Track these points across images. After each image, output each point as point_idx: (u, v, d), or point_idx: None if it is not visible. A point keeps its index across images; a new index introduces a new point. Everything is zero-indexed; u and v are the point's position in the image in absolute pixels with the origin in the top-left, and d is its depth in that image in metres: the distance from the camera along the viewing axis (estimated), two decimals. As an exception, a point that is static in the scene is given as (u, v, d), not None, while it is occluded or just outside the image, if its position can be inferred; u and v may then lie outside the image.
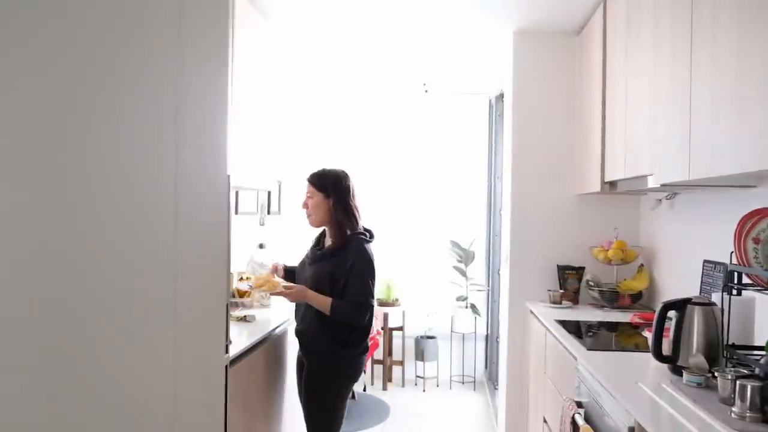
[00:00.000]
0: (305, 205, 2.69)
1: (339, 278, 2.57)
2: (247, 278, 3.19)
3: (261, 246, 4.24)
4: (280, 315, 2.96)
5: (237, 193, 3.85)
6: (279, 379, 2.81)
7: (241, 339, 2.42)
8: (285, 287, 2.61)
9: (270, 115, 3.24)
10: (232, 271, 3.26)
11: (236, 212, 3.86)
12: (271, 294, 2.62)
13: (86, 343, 0.70)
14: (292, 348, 2.98)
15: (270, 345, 2.68)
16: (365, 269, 2.60)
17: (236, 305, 3.00)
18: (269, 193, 4.47)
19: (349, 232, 2.62)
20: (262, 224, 4.36)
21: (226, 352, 2.03)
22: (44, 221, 0.63)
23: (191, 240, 0.92)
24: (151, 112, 0.84)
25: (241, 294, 3.12)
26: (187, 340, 0.93)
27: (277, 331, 2.79)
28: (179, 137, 0.89)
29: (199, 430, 0.97)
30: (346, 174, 2.73)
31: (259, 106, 3.07)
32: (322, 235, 2.78)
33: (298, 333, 2.70)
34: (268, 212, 4.49)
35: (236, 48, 2.61)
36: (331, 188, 2.64)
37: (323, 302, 2.54)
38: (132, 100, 0.79)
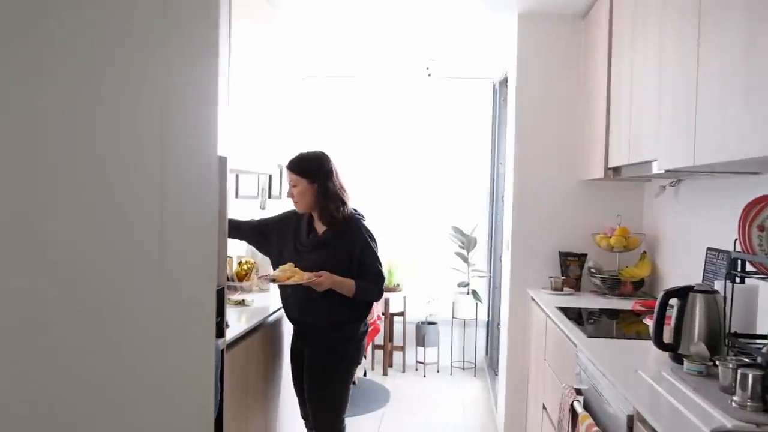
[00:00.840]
0: (291, 194, 2.65)
1: (344, 262, 2.55)
2: (248, 267, 3.17)
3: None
4: (278, 299, 2.95)
5: (237, 176, 3.82)
6: (277, 363, 2.81)
7: (239, 323, 2.41)
8: (314, 275, 2.48)
9: (272, 99, 3.20)
10: (231, 255, 3.25)
11: (236, 196, 3.84)
12: (303, 283, 2.50)
13: (68, 337, 0.68)
14: (290, 333, 2.97)
15: (268, 329, 2.67)
16: (372, 244, 2.63)
17: (234, 289, 2.99)
18: (270, 176, 4.44)
19: (341, 214, 2.59)
20: (263, 208, 4.34)
21: (223, 335, 2.02)
22: (17, 211, 0.60)
23: (179, 223, 0.90)
24: (134, 92, 0.81)
25: (240, 278, 3.10)
26: (175, 326, 0.91)
27: (276, 315, 2.78)
28: (165, 117, 0.87)
29: (189, 413, 0.96)
30: (326, 155, 2.67)
31: (261, 90, 3.04)
32: (310, 220, 2.69)
33: (295, 322, 2.68)
34: (269, 196, 4.47)
35: (235, 30, 2.57)
36: (314, 173, 2.59)
37: (349, 284, 2.54)
38: (113, 80, 0.76)
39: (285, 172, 2.70)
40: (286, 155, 4.85)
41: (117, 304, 0.76)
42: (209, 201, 1.00)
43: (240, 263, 3.19)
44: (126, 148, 0.78)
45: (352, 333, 2.64)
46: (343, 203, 2.62)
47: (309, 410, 2.66)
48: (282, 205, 4.83)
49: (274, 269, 2.59)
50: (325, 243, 2.60)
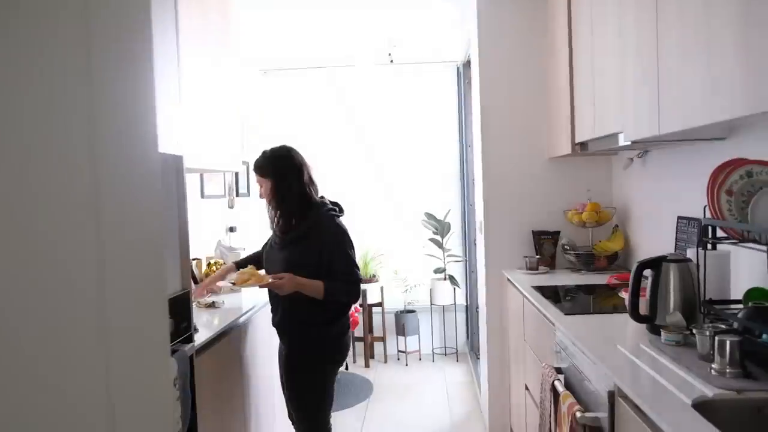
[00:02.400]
0: (260, 194, 2.58)
1: (312, 260, 2.45)
2: (216, 268, 3.09)
3: (231, 229, 4.15)
4: (250, 300, 2.88)
5: (201, 176, 3.73)
6: (253, 364, 2.74)
7: (210, 327, 2.34)
8: (274, 277, 2.44)
9: (230, 95, 3.10)
10: (200, 256, 3.17)
11: (202, 196, 3.75)
12: (261, 287, 2.45)
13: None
14: (265, 333, 2.91)
15: (241, 331, 2.60)
16: (345, 243, 2.50)
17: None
18: (236, 174, 4.36)
19: (305, 210, 2.50)
20: (231, 207, 4.26)
21: (191, 341, 1.96)
22: None
23: (117, 229, 0.83)
24: (57, 81, 0.74)
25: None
26: (122, 341, 0.84)
27: (248, 315, 2.70)
28: (93, 117, 0.79)
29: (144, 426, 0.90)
30: (288, 151, 2.57)
31: (218, 86, 2.94)
32: (275, 216, 2.59)
33: (276, 325, 2.60)
34: (237, 194, 4.39)
35: (184, 25, 2.46)
36: (273, 170, 2.50)
37: (316, 286, 2.42)
38: (25, 79, 0.69)
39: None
40: (252, 152, 4.78)
41: (46, 321, 0.69)
42: (151, 204, 0.93)
43: (209, 265, 3.11)
44: (48, 152, 0.71)
45: (326, 333, 2.52)
46: (309, 199, 2.53)
47: (293, 411, 2.60)
48: (250, 203, 4.75)
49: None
50: (293, 241, 2.50)
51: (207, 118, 2.76)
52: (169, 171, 1.89)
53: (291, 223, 2.51)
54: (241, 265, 2.79)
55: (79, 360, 0.75)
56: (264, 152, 2.59)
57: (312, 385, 2.53)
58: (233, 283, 2.41)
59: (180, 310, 1.88)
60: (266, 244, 2.72)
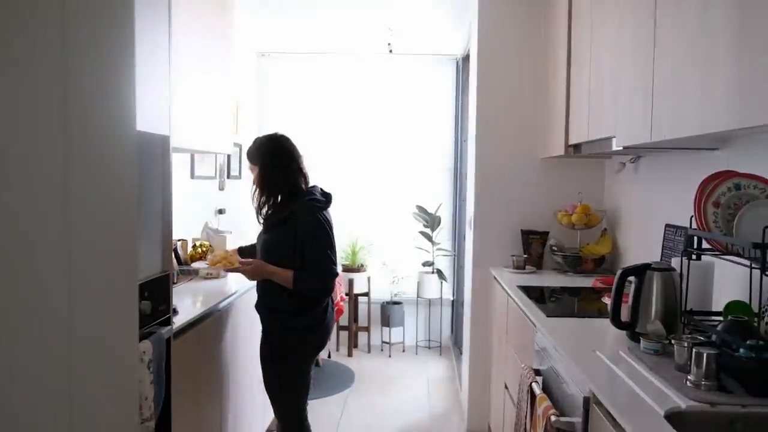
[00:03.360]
0: (254, 181, 2.57)
1: (288, 248, 2.42)
2: (203, 250, 3.07)
3: (220, 211, 4.13)
4: (234, 284, 2.86)
5: (192, 157, 3.70)
6: (232, 350, 2.72)
7: (191, 310, 2.31)
8: (241, 263, 2.47)
9: (223, 77, 3.07)
10: (186, 238, 3.14)
11: (192, 176, 3.72)
12: (227, 271, 2.47)
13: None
14: (247, 318, 2.89)
15: (222, 315, 2.58)
16: (320, 235, 2.45)
17: (188, 273, 2.89)
18: (228, 156, 4.32)
19: (287, 197, 2.50)
20: (222, 189, 4.23)
21: (170, 323, 1.94)
22: None
23: (87, 209, 0.81)
24: (31, 61, 0.71)
25: (195, 261, 3.00)
26: (88, 323, 0.83)
27: (232, 299, 2.69)
28: (67, 94, 0.77)
29: (110, 411, 0.88)
30: (278, 139, 2.56)
31: (211, 67, 2.91)
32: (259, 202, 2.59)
33: (256, 308, 2.60)
34: (228, 176, 4.36)
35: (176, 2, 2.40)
36: (260, 157, 2.51)
37: (285, 275, 2.40)
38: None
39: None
40: (245, 136, 4.75)
41: (15, 301, 0.68)
42: (126, 182, 0.91)
43: (194, 246, 3.09)
44: (16, 125, 0.69)
45: (293, 324, 2.47)
46: (294, 188, 2.51)
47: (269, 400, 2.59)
48: (242, 185, 4.72)
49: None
50: (272, 226, 2.50)
51: (199, 99, 2.73)
52: (155, 150, 1.87)
53: (274, 208, 2.51)
54: (246, 250, 2.81)
55: (43, 342, 0.73)
56: (256, 139, 2.59)
57: (278, 374, 2.52)
58: (207, 264, 2.43)
59: (159, 292, 1.86)
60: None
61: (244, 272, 2.46)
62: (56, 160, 0.76)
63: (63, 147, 0.77)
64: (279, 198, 2.51)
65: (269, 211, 2.53)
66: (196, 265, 2.63)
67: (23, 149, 0.71)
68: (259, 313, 2.58)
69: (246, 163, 4.63)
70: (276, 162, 2.49)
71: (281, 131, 2.62)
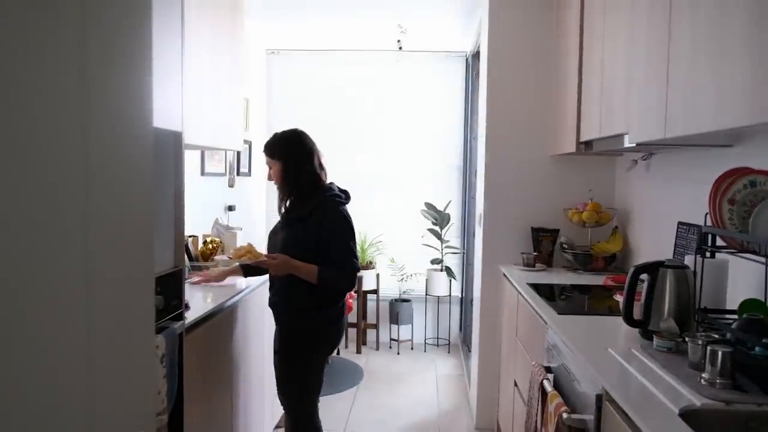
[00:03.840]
0: (269, 176, 2.57)
1: (311, 241, 2.42)
2: (213, 246, 3.08)
3: (230, 208, 4.14)
4: (246, 280, 2.87)
5: (203, 153, 3.71)
6: (243, 345, 2.73)
7: (203, 305, 2.32)
8: (267, 256, 2.44)
9: (238, 74, 3.07)
10: (196, 233, 3.15)
11: (202, 173, 3.73)
12: (254, 264, 2.43)
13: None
14: (258, 314, 2.90)
15: (234, 310, 2.59)
16: (344, 231, 2.47)
17: (199, 269, 2.89)
18: (238, 153, 4.33)
19: (310, 194, 2.49)
20: (231, 185, 4.24)
21: (182, 318, 1.95)
22: None
23: (105, 203, 0.82)
24: (43, 62, 0.71)
25: (206, 257, 3.01)
26: (106, 322, 0.83)
27: (243, 294, 2.69)
28: (86, 89, 0.77)
29: (129, 404, 0.89)
30: (299, 134, 2.56)
31: (227, 64, 2.91)
32: (291, 200, 2.59)
33: (271, 305, 2.59)
34: (238, 173, 4.37)
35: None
36: (283, 153, 2.50)
37: (310, 270, 2.39)
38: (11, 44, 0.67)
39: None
40: (255, 132, 4.75)
41: (34, 294, 0.68)
42: (143, 178, 0.92)
43: (205, 242, 3.10)
44: (37, 121, 0.69)
45: (315, 321, 2.48)
46: (316, 184, 2.52)
47: (280, 395, 2.59)
48: (251, 182, 4.73)
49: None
50: (294, 222, 2.49)
51: (210, 96, 2.73)
52: (168, 147, 1.87)
53: (296, 204, 2.51)
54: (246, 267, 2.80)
55: (61, 335, 0.74)
56: (275, 134, 2.58)
57: (294, 372, 2.52)
58: (230, 257, 2.40)
59: (171, 287, 1.87)
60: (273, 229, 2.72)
61: (269, 266, 2.43)
62: (77, 158, 0.76)
63: (83, 144, 0.77)
64: (301, 192, 2.50)
65: (289, 205, 2.53)
66: (218, 258, 2.63)
67: (45, 148, 0.71)
68: (275, 310, 2.57)
69: (257, 159, 4.67)
70: (298, 157, 2.50)
71: (290, 128, 2.62)
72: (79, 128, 0.75)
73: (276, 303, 2.56)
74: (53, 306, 0.72)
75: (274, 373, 2.58)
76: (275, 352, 2.56)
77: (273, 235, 2.63)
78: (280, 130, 2.61)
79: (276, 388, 2.61)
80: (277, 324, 2.58)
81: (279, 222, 2.63)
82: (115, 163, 0.84)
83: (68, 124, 0.74)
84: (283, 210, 2.57)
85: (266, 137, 2.66)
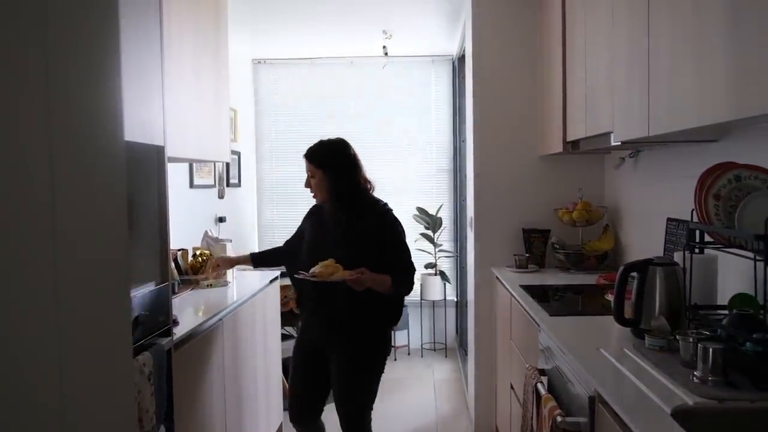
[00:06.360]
0: (308, 184, 2.52)
1: (373, 255, 2.41)
2: (203, 259, 3.05)
3: (221, 219, 4.12)
4: (238, 291, 2.85)
5: (191, 165, 3.70)
6: (234, 359, 2.70)
7: (192, 320, 2.29)
8: (354, 273, 2.32)
9: (219, 85, 3.05)
10: (186, 247, 3.13)
11: (191, 186, 3.72)
12: (345, 280, 2.31)
13: None
14: (249, 327, 2.88)
15: (224, 324, 2.56)
16: (403, 236, 2.54)
17: (189, 282, 2.87)
18: (227, 164, 4.31)
19: (364, 205, 2.48)
20: (221, 197, 4.22)
21: (170, 334, 1.92)
22: None
23: (74, 220, 0.80)
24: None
25: (196, 270, 2.99)
26: (78, 341, 0.81)
27: (231, 309, 2.66)
28: (50, 104, 0.76)
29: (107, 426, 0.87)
30: (344, 144, 2.54)
31: (212, 75, 2.89)
32: (335, 213, 2.50)
33: (329, 320, 2.49)
34: (227, 184, 4.35)
35: (167, 9, 2.39)
36: (331, 163, 2.46)
37: (384, 280, 2.39)
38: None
39: (304, 161, 2.55)
40: (245, 143, 4.73)
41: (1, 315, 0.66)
42: (114, 192, 0.90)
43: (195, 255, 3.07)
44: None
45: (388, 330, 2.57)
46: (365, 193, 2.51)
47: (338, 407, 2.52)
48: (242, 193, 4.71)
49: (304, 269, 2.40)
50: (353, 236, 2.43)
51: (195, 108, 2.72)
52: (150, 161, 1.85)
53: (353, 219, 2.46)
54: (258, 257, 2.83)
55: (31, 355, 0.72)
56: (321, 142, 2.55)
57: (370, 382, 2.53)
58: (313, 277, 2.29)
59: (158, 303, 1.85)
60: (294, 239, 2.72)
61: (358, 282, 2.32)
62: (42, 173, 0.75)
63: (48, 159, 0.76)
64: (355, 205, 2.48)
65: (346, 220, 2.47)
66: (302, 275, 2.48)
67: (6, 160, 0.70)
68: (343, 328, 2.48)
69: (247, 170, 4.64)
70: (347, 167, 2.50)
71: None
72: (45, 143, 0.73)
73: (340, 320, 2.45)
74: (23, 326, 0.70)
75: (332, 387, 2.55)
76: (340, 370, 2.49)
77: (313, 246, 2.52)
78: (326, 138, 2.58)
79: (298, 404, 2.61)
80: (344, 340, 2.48)
81: (312, 235, 2.58)
82: (82, 178, 0.83)
83: (32, 139, 0.72)
84: (334, 222, 2.49)
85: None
